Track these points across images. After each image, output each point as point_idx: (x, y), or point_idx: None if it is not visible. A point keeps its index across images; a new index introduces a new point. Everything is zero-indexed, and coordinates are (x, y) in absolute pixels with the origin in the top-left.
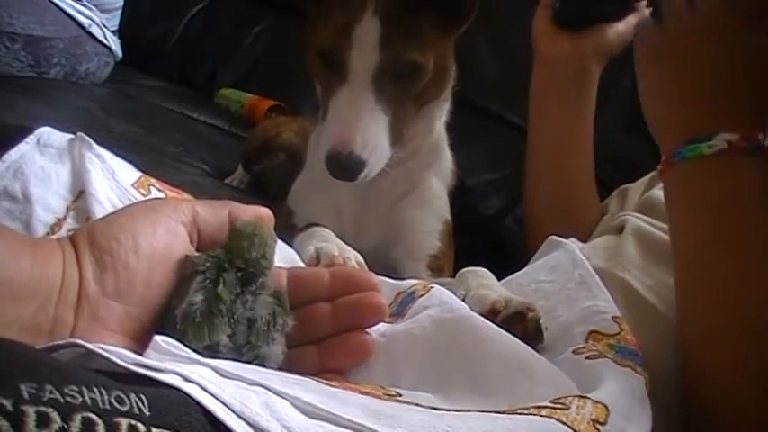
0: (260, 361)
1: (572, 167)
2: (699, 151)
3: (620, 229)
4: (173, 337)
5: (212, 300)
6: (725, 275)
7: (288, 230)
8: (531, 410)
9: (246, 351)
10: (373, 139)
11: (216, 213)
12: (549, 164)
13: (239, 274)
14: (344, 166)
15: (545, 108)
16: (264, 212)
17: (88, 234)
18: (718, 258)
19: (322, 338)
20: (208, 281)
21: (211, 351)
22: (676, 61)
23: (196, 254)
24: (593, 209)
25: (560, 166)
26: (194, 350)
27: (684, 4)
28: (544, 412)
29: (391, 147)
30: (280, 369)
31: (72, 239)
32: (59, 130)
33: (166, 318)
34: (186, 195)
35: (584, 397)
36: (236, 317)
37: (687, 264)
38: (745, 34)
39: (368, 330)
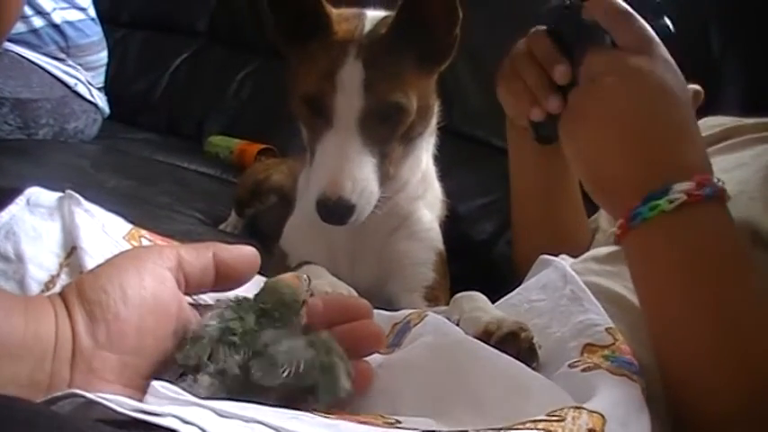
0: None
1: (560, 211)
2: (659, 209)
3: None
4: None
5: (225, 328)
6: (719, 334)
7: (283, 273)
8: (527, 425)
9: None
10: (362, 182)
11: (200, 256)
12: (536, 213)
13: (262, 317)
14: (334, 211)
15: (524, 169)
16: (248, 250)
17: (77, 288)
18: (708, 317)
19: None
20: (225, 314)
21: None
22: (606, 111)
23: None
24: (583, 233)
25: (547, 215)
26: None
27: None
28: (540, 426)
29: (380, 187)
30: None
31: (62, 294)
32: (51, 189)
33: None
34: (176, 244)
35: (580, 408)
36: (251, 352)
37: (673, 328)
38: (672, 73)
39: (366, 359)
